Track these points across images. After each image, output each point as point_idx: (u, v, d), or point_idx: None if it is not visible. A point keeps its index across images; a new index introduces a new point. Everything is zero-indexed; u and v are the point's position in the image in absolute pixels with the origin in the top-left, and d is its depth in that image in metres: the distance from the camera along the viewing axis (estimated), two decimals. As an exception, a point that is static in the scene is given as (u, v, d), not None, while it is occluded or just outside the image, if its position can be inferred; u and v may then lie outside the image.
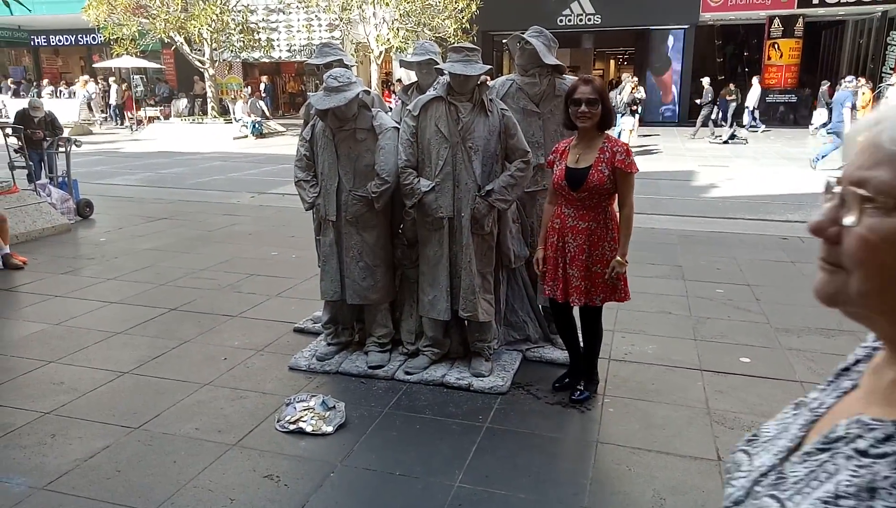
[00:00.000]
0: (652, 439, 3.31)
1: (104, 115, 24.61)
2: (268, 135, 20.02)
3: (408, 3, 18.19)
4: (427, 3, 18.54)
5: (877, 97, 15.51)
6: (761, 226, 7.84)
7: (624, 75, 18.40)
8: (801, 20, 20.43)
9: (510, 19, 18.46)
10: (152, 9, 19.21)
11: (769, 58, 21.17)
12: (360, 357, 4.17)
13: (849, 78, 14.64)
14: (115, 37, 19.50)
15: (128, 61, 21.35)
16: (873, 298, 0.63)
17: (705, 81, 18.03)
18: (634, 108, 15.69)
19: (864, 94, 14.96)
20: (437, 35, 17.89)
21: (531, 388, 3.87)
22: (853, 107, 12.72)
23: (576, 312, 3.69)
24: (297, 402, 3.54)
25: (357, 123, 3.86)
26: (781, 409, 0.81)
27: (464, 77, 3.62)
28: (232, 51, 21.43)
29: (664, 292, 5.46)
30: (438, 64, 4.13)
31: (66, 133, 9.94)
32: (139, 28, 19.48)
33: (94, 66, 26.05)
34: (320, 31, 22.44)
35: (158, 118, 22.83)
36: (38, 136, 8.94)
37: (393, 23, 18.78)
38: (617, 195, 3.42)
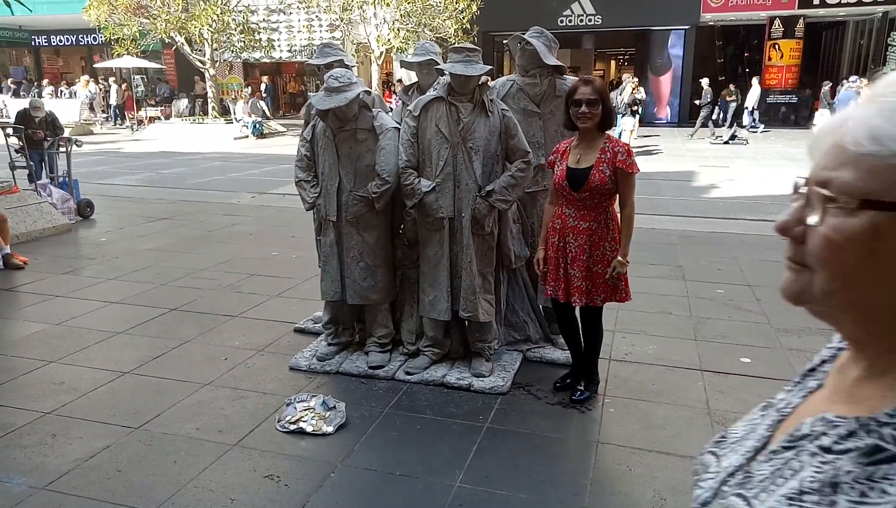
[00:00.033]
0: (652, 439, 3.31)
1: (105, 115, 24.64)
2: (268, 135, 20.02)
3: (408, 3, 18.19)
4: (428, 3, 18.54)
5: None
6: (762, 226, 7.84)
7: (624, 76, 18.41)
8: (801, 21, 20.43)
9: (511, 20, 18.48)
10: (153, 9, 19.22)
11: (770, 58, 21.17)
12: (361, 357, 4.17)
13: (853, 78, 14.64)
14: (115, 37, 19.51)
15: (128, 61, 21.35)
16: (836, 297, 0.64)
17: (704, 81, 18.04)
18: (635, 108, 15.70)
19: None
20: (437, 35, 17.90)
21: (532, 388, 3.87)
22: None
23: (577, 312, 3.70)
24: (298, 402, 3.54)
25: (358, 124, 3.86)
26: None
27: (464, 77, 3.62)
28: (233, 51, 21.43)
29: (665, 293, 5.46)
30: (439, 64, 4.13)
31: (66, 133, 9.95)
32: (140, 28, 19.49)
33: (94, 66, 26.06)
34: (321, 31, 22.45)
35: (159, 118, 22.84)
36: (38, 136, 8.95)
37: (394, 23, 18.78)
38: (618, 196, 3.43)
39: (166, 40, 20.37)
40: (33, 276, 6.12)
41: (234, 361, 4.23)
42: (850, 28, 22.21)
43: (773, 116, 20.57)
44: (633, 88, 15.71)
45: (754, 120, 18.57)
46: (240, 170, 13.56)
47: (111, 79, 25.61)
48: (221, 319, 4.97)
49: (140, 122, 22.54)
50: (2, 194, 7.55)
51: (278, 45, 22.82)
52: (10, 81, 26.77)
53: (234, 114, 20.69)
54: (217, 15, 19.07)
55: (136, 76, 24.56)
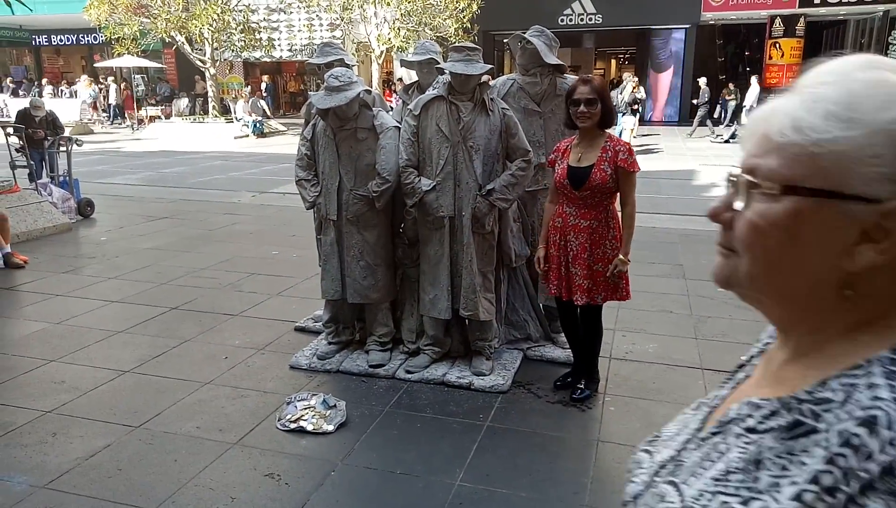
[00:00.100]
0: (653, 438, 3.31)
1: (105, 114, 24.65)
2: (269, 134, 20.02)
3: (409, 2, 18.18)
4: (428, 2, 18.53)
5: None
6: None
7: (625, 75, 18.41)
8: (802, 20, 20.41)
9: (511, 19, 18.45)
10: (153, 8, 19.22)
11: (770, 57, 21.15)
12: (361, 356, 4.17)
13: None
14: (116, 36, 19.51)
15: (129, 61, 21.36)
16: (760, 280, 0.67)
17: (702, 81, 18.05)
18: (635, 107, 15.69)
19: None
20: (438, 34, 17.87)
21: (532, 387, 3.87)
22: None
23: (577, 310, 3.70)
24: (298, 401, 3.54)
25: (358, 123, 3.86)
26: None
27: (465, 77, 3.62)
28: (233, 50, 21.43)
29: (665, 291, 5.46)
30: (439, 63, 4.13)
31: (66, 132, 9.95)
32: (140, 28, 19.49)
33: (95, 65, 26.07)
34: (321, 30, 22.44)
35: (159, 118, 22.83)
36: (39, 135, 8.96)
37: (394, 22, 18.78)
38: (619, 194, 3.43)
39: (167, 40, 20.37)
40: (34, 275, 6.12)
41: (234, 360, 4.23)
42: (851, 27, 22.19)
43: (773, 114, 20.50)
44: (634, 87, 15.70)
45: (754, 119, 18.53)
46: (240, 169, 13.56)
47: (110, 78, 25.60)
48: (222, 318, 4.97)
49: (140, 121, 22.54)
50: (2, 194, 7.55)
51: (279, 45, 22.82)
52: (9, 80, 26.78)
53: (235, 113, 20.68)
54: (217, 14, 19.07)
55: (137, 76, 24.57)
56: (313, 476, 3.02)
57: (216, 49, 20.54)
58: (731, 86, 18.36)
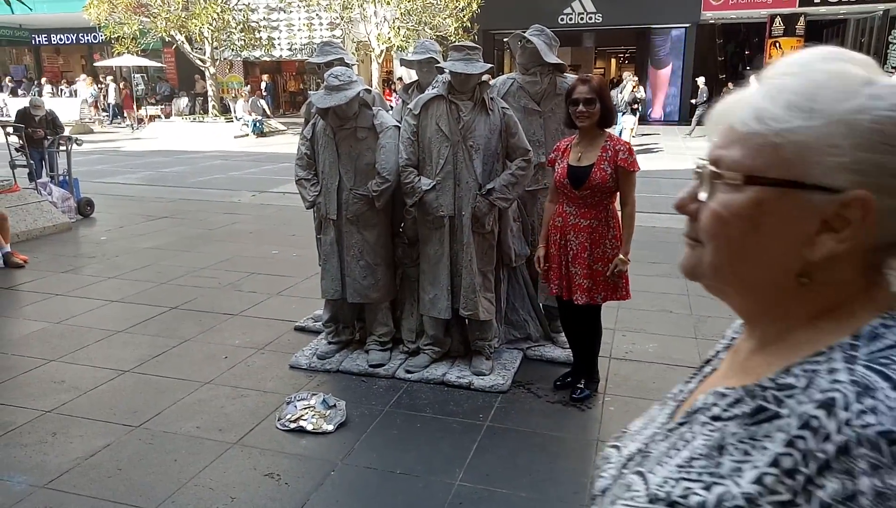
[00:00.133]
0: (653, 438, 3.31)
1: (105, 113, 24.65)
2: (268, 134, 20.02)
3: (409, 1, 18.18)
4: (428, 1, 18.52)
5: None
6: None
7: (625, 74, 18.41)
8: (802, 19, 20.40)
9: (511, 18, 18.43)
10: (153, 7, 19.20)
11: (770, 56, 21.13)
12: (361, 356, 4.17)
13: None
14: (116, 35, 19.49)
15: (129, 60, 21.34)
16: (724, 270, 0.67)
17: (700, 80, 18.07)
18: (635, 106, 15.68)
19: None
20: (437, 34, 17.86)
21: (532, 386, 3.87)
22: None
23: (577, 310, 3.70)
24: (298, 400, 3.54)
25: (358, 122, 3.86)
26: None
27: (465, 76, 3.62)
28: (233, 49, 21.41)
29: (665, 291, 5.46)
30: (439, 63, 4.13)
31: (66, 132, 9.95)
32: (140, 27, 19.47)
33: (95, 64, 26.05)
34: (321, 29, 22.42)
35: (159, 117, 22.83)
36: (38, 134, 8.96)
37: (394, 21, 18.77)
38: (619, 194, 3.43)
39: (166, 39, 20.35)
40: (33, 274, 6.12)
41: (234, 359, 4.23)
42: (851, 26, 22.18)
43: (774, 113, 20.51)
44: (634, 87, 15.70)
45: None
46: (240, 168, 13.55)
47: (109, 78, 25.59)
48: (222, 317, 4.97)
49: (140, 120, 22.53)
50: (2, 193, 7.55)
51: (278, 44, 22.81)
52: (8, 79, 26.76)
53: (235, 112, 20.68)
54: (217, 13, 19.05)
55: (137, 75, 24.55)
56: (313, 475, 3.02)
57: (216, 48, 20.53)
58: (730, 85, 18.34)
